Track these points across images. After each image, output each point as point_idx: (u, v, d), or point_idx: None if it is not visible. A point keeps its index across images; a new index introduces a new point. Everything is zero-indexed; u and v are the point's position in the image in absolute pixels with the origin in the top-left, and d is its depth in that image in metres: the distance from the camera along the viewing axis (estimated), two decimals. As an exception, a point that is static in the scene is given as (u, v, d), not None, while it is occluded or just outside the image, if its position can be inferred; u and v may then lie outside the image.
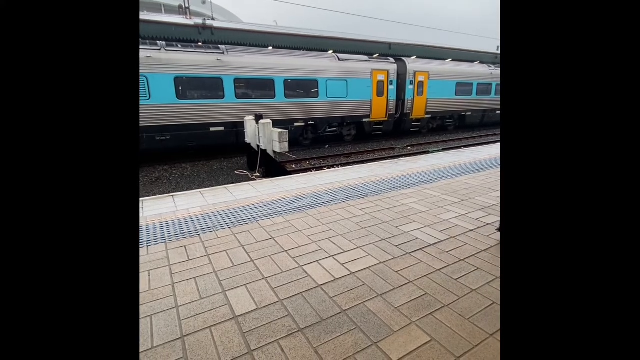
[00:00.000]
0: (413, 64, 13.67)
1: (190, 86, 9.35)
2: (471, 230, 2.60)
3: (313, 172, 4.71)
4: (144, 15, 11.06)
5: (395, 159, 5.59)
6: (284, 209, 3.16)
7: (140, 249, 2.36)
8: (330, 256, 2.21)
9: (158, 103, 8.90)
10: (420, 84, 13.87)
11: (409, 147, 11.92)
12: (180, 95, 9.21)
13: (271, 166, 7.42)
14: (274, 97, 10.63)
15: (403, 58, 13.95)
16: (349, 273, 1.99)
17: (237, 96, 10.07)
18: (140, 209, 3.22)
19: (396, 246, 2.34)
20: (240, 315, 1.62)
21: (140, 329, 1.53)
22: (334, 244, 2.40)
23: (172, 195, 3.69)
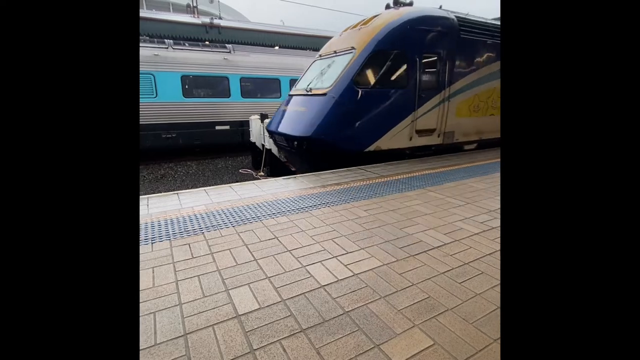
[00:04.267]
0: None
1: (197, 85, 9.40)
2: (476, 234, 2.58)
3: (317, 172, 4.70)
4: (152, 14, 11.15)
5: (399, 161, 5.57)
6: (288, 209, 3.16)
7: (144, 245, 2.38)
8: (334, 257, 2.21)
9: (165, 101, 8.96)
10: None
11: (414, 149, 11.84)
12: (186, 93, 9.26)
13: (276, 165, 7.44)
14: (280, 96, 10.65)
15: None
16: (352, 274, 1.99)
17: (243, 95, 10.11)
18: (146, 206, 3.24)
19: (400, 248, 2.33)
20: (243, 314, 1.62)
21: (144, 325, 1.54)
22: (338, 244, 2.40)
23: (177, 193, 3.72)
